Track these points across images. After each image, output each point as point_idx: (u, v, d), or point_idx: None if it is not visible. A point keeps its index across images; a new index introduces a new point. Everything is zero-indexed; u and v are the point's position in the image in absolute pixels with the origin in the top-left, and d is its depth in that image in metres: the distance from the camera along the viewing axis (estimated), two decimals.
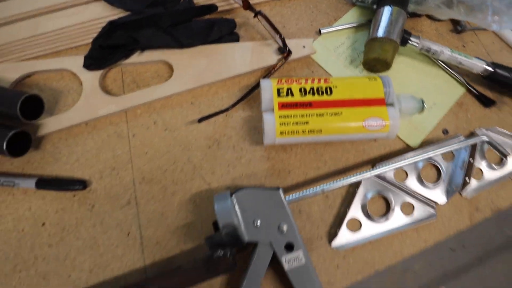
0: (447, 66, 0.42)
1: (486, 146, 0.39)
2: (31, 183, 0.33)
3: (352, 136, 0.35)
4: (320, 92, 0.35)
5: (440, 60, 0.42)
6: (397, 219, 0.35)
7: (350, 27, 0.43)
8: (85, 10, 0.40)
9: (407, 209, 0.36)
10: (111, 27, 0.35)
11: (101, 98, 0.36)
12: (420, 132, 0.39)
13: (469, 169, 0.38)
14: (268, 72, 0.39)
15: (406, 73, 0.42)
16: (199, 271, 0.29)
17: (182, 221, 0.33)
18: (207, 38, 0.38)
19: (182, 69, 0.38)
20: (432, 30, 0.45)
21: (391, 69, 0.41)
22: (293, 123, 0.34)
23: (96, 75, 0.37)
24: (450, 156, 0.39)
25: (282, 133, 0.33)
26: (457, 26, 0.45)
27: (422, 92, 0.41)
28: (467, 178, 0.37)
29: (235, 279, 0.31)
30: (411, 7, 0.42)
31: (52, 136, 0.36)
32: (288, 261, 0.30)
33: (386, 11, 0.40)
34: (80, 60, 0.37)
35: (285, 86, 0.35)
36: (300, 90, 0.35)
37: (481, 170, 0.38)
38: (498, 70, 0.40)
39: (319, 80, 0.36)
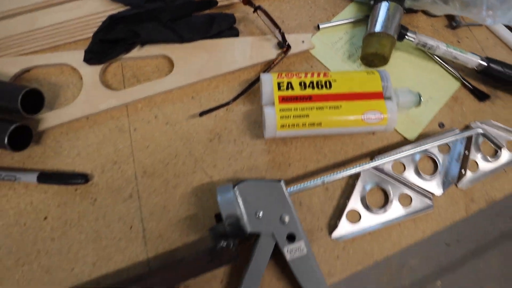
0: (443, 61, 0.43)
1: (481, 139, 0.40)
2: (32, 177, 0.33)
3: (351, 129, 0.36)
4: (319, 86, 0.36)
5: (435, 55, 0.43)
6: (395, 210, 0.36)
7: (348, 23, 0.44)
8: (84, 5, 0.40)
9: (405, 200, 0.37)
10: (112, 21, 0.35)
11: (102, 92, 0.36)
12: (417, 125, 0.40)
13: (464, 162, 0.39)
14: (268, 67, 0.39)
15: (403, 68, 0.43)
16: (203, 261, 0.29)
17: (184, 213, 0.34)
18: (207, 33, 0.39)
19: (182, 64, 0.38)
20: (427, 26, 0.46)
21: (388, 64, 0.41)
22: (293, 116, 0.34)
23: (96, 69, 0.37)
24: (446, 149, 0.39)
25: (282, 126, 0.34)
26: (452, 22, 0.46)
27: (418, 86, 0.42)
28: (462, 170, 0.38)
29: (237, 270, 0.32)
30: (408, 3, 0.43)
31: (53, 130, 0.36)
32: (290, 251, 0.30)
33: (384, 6, 0.41)
34: (80, 54, 0.37)
35: (285, 80, 0.35)
36: (300, 84, 0.35)
37: (476, 163, 0.39)
38: (492, 65, 0.41)
39: (318, 74, 0.36)
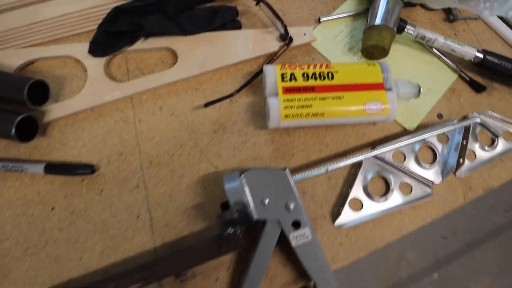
0: (441, 53, 0.44)
1: (478, 129, 0.41)
2: (39, 168, 0.33)
3: (353, 119, 0.37)
4: (322, 77, 0.36)
5: (434, 48, 0.44)
6: (396, 198, 0.37)
7: (349, 16, 0.45)
8: None
9: (405, 188, 0.38)
10: (116, 12, 0.35)
11: (107, 84, 0.37)
12: (416, 116, 0.41)
13: (462, 151, 0.40)
14: (271, 59, 0.40)
15: (402, 61, 0.44)
16: (211, 248, 0.30)
17: (191, 203, 0.34)
18: (210, 25, 0.39)
19: (186, 56, 0.39)
20: (425, 19, 0.47)
21: (387, 56, 0.42)
22: (297, 106, 0.35)
23: (100, 61, 0.37)
24: (444, 139, 0.40)
25: (286, 116, 0.34)
26: (449, 16, 0.47)
27: (417, 78, 0.43)
28: (461, 159, 0.39)
29: (244, 257, 0.33)
30: None
31: (58, 122, 0.36)
32: (295, 237, 0.31)
33: (383, 0, 0.42)
34: (84, 46, 0.38)
35: (288, 71, 0.36)
36: (303, 75, 0.36)
37: (474, 152, 0.40)
38: (488, 57, 0.42)
39: (320, 66, 0.37)
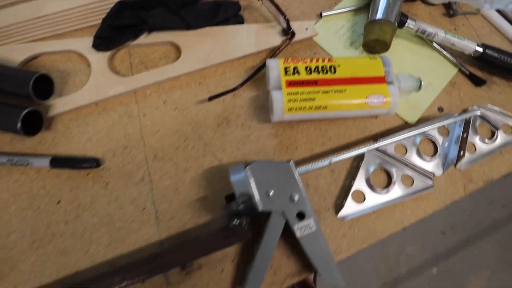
0: (441, 48, 0.45)
1: (478, 122, 0.41)
2: (45, 162, 0.33)
3: (355, 112, 0.37)
4: (324, 71, 0.37)
5: (434, 42, 0.44)
6: (398, 190, 0.37)
7: (350, 10, 0.45)
8: None
9: (407, 180, 0.38)
10: (120, 6, 0.36)
11: (110, 78, 0.37)
12: (417, 109, 0.42)
13: (463, 144, 0.40)
14: (273, 53, 0.40)
15: (403, 55, 0.44)
16: (217, 239, 0.30)
17: (195, 196, 0.35)
18: (213, 20, 0.39)
19: (189, 50, 0.39)
20: (426, 14, 0.48)
21: (388, 51, 0.42)
22: (300, 100, 0.35)
23: (104, 56, 0.38)
24: (445, 132, 0.41)
25: (290, 109, 0.35)
26: (449, 10, 0.48)
27: (417, 72, 0.43)
28: (461, 152, 0.40)
29: (248, 249, 0.33)
30: None
31: (63, 117, 0.36)
32: (300, 228, 0.31)
33: None
34: (87, 41, 0.38)
35: (291, 65, 0.36)
36: (306, 68, 0.36)
37: (474, 145, 0.41)
38: (488, 51, 0.43)
39: (323, 60, 0.37)
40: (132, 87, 0.37)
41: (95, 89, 0.36)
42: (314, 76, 0.36)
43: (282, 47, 0.40)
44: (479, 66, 0.45)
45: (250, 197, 0.30)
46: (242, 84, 0.38)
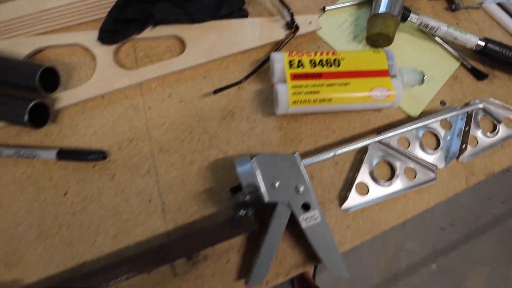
0: (443, 42, 0.45)
1: (480, 116, 0.42)
2: (51, 154, 0.33)
3: (359, 105, 0.37)
4: (329, 64, 0.37)
5: (436, 36, 0.45)
6: (401, 182, 0.38)
7: (353, 4, 0.45)
8: None
9: (410, 173, 0.38)
10: (125, 0, 0.36)
11: (116, 72, 0.37)
12: (419, 103, 0.42)
13: (465, 137, 0.41)
14: (278, 47, 0.40)
15: (405, 49, 0.45)
16: (223, 230, 0.31)
17: (201, 188, 0.35)
18: (217, 14, 0.39)
19: (194, 44, 0.39)
20: (428, 8, 0.48)
21: (391, 45, 0.43)
22: (304, 92, 0.35)
23: (109, 49, 0.38)
24: (448, 125, 0.41)
25: (295, 102, 0.35)
26: (451, 5, 0.48)
27: (420, 66, 0.43)
28: (463, 145, 0.40)
29: (253, 240, 0.33)
30: None
31: (68, 110, 0.37)
32: (305, 219, 0.32)
33: None
34: (92, 35, 0.38)
35: (296, 58, 0.37)
36: (310, 61, 0.37)
37: (476, 138, 0.41)
38: (490, 45, 0.43)
39: (327, 53, 0.38)
40: (137, 81, 0.37)
41: (101, 82, 0.37)
42: (318, 69, 0.36)
43: (286, 41, 0.40)
44: (481, 60, 0.45)
45: (256, 188, 0.31)
46: (247, 77, 0.38)
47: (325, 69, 0.37)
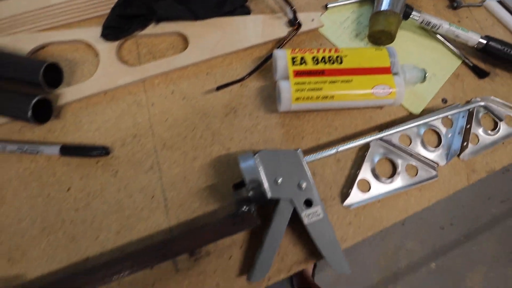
0: (445, 40, 0.45)
1: (481, 114, 0.42)
2: (55, 150, 0.33)
3: (362, 102, 0.37)
4: (331, 61, 0.37)
5: (438, 34, 0.45)
6: (402, 179, 0.38)
7: (355, 2, 0.45)
8: None
9: (411, 170, 0.39)
10: None
11: (119, 68, 0.37)
12: (421, 101, 0.42)
13: (466, 135, 0.41)
14: (280, 44, 0.40)
15: (407, 47, 0.45)
16: (226, 226, 0.31)
17: (203, 184, 0.35)
18: (220, 11, 0.39)
19: (197, 41, 0.39)
20: (430, 6, 0.48)
21: (393, 42, 0.43)
22: (307, 89, 0.35)
23: (112, 46, 0.38)
24: (449, 123, 0.41)
25: (297, 99, 0.35)
26: (453, 3, 0.48)
27: (421, 64, 0.43)
28: (464, 142, 0.40)
29: (256, 236, 0.33)
30: None
31: (72, 106, 0.37)
32: (308, 215, 0.32)
33: None
34: (95, 31, 0.38)
35: (298, 55, 0.37)
36: (313, 58, 0.37)
37: (477, 136, 0.41)
38: (491, 43, 0.43)
39: (330, 50, 0.38)
40: (140, 77, 0.37)
41: (104, 78, 0.37)
42: (321, 66, 0.37)
43: (288, 38, 0.40)
44: (483, 58, 0.46)
45: (259, 184, 0.31)
46: (249, 74, 0.38)
47: (328, 66, 0.37)
